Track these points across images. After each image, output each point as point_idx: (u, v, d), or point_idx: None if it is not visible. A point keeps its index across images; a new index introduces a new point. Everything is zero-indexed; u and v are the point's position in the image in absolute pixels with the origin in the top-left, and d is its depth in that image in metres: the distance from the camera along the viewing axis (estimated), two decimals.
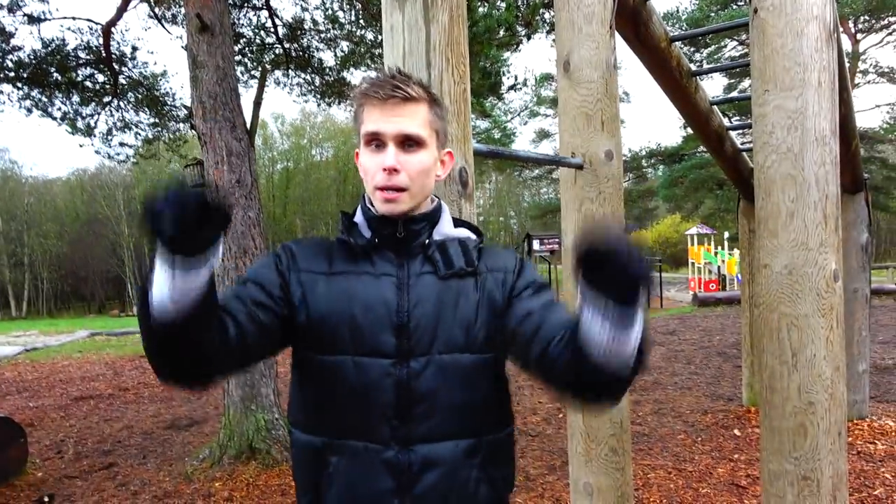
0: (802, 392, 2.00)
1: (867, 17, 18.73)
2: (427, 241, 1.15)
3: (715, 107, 4.00)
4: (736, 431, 4.81)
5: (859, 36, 19.80)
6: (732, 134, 4.53)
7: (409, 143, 1.10)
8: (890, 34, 19.93)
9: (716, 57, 19.49)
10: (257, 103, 5.67)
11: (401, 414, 1.07)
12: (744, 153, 4.82)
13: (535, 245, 15.67)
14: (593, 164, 2.31)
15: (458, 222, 1.24)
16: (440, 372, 1.09)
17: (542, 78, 21.75)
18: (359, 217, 1.18)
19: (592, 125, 2.32)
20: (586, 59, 2.32)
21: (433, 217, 1.17)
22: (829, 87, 2.03)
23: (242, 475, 4.31)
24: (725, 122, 4.31)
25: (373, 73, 1.18)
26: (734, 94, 18.51)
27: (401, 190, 1.09)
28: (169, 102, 8.82)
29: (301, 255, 1.15)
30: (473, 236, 1.20)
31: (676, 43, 3.16)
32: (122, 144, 9.32)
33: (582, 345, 0.90)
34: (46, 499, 4.08)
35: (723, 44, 19.77)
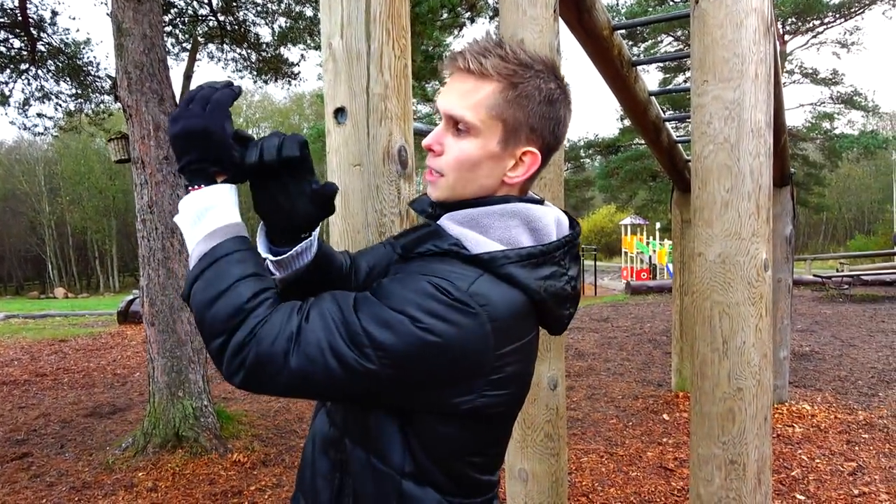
0: (732, 378, 2.04)
1: (794, 20, 19.56)
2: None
3: (653, 98, 4.07)
4: (665, 416, 4.96)
5: (787, 37, 20.66)
6: (668, 125, 4.62)
7: (458, 125, 0.93)
8: (814, 36, 20.90)
9: (653, 51, 19.97)
10: (188, 76, 5.41)
11: None
12: (678, 145, 4.94)
13: None
14: None
15: (512, 230, 0.93)
16: None
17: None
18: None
19: None
20: (530, 42, 2.28)
21: (463, 207, 0.96)
22: (766, 80, 2.06)
23: (168, 464, 4.13)
24: (663, 114, 4.38)
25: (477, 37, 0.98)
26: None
27: (439, 174, 0.96)
28: (92, 72, 8.30)
29: None
30: (467, 243, 0.90)
31: (618, 32, 3.17)
32: (39, 115, 8.74)
33: None
34: None
35: (659, 39, 20.28)
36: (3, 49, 7.72)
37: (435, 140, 0.95)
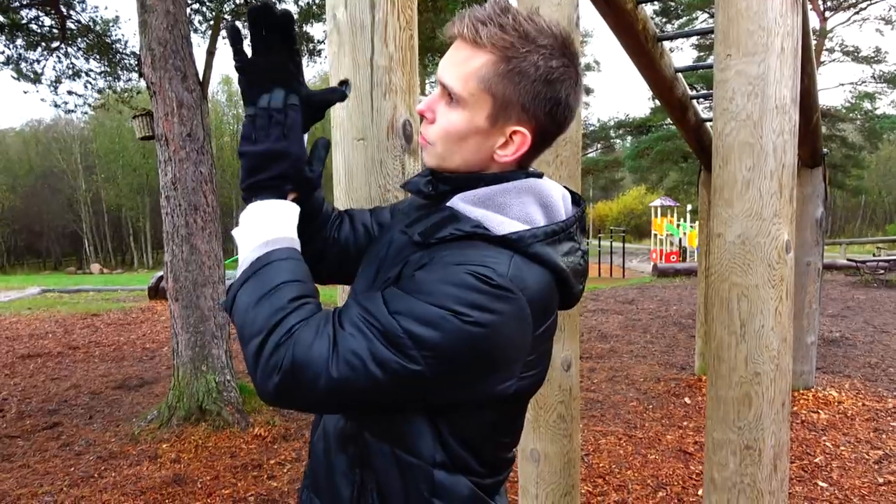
0: (749, 362, 1.99)
1: None
2: (442, 204, 0.95)
3: (679, 75, 3.95)
4: (686, 399, 4.90)
5: (827, 14, 19.96)
6: (696, 104, 4.50)
7: (450, 94, 0.89)
8: (856, 13, 20.16)
9: (686, 29, 19.48)
10: (210, 53, 5.42)
11: None
12: (706, 123, 4.81)
13: None
14: None
15: (530, 207, 0.91)
16: None
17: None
18: None
19: None
20: (547, 13, 2.22)
21: (466, 183, 0.92)
22: (792, 54, 1.98)
23: (191, 437, 4.22)
24: (690, 92, 4.27)
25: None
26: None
27: (430, 142, 0.93)
28: (120, 50, 8.39)
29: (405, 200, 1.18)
30: (489, 225, 0.87)
31: (642, 5, 3.08)
32: (70, 93, 8.89)
33: None
34: None
35: (694, 16, 19.76)
36: (35, 27, 7.85)
37: (427, 107, 0.92)
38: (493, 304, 0.78)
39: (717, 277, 2.06)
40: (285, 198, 0.92)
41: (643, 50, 3.33)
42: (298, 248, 0.90)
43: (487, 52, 0.85)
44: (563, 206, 0.95)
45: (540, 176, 0.97)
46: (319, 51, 9.16)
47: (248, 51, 0.91)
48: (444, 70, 0.89)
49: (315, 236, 1.08)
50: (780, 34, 1.96)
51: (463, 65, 0.87)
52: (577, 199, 1.01)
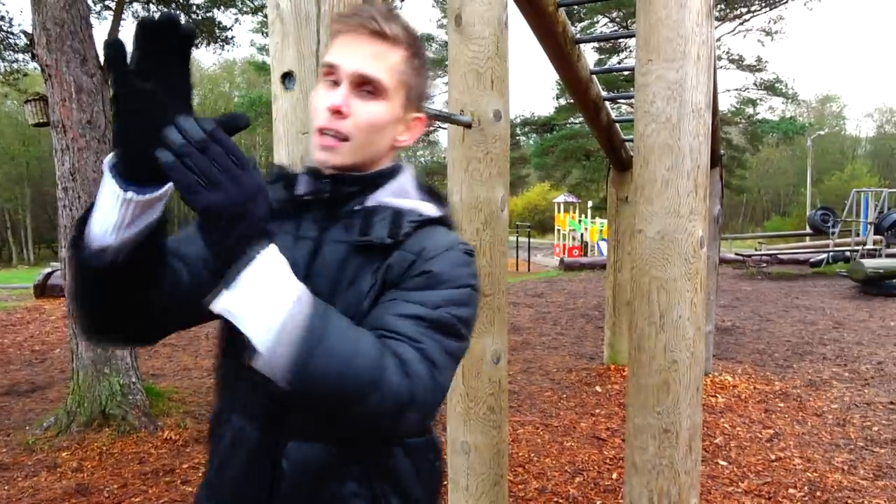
0: (668, 351, 2.11)
1: (723, 6, 20.20)
2: (358, 207, 0.96)
3: (594, 76, 4.12)
4: (597, 388, 5.12)
5: (716, 23, 21.34)
6: (608, 105, 4.70)
7: (366, 86, 0.91)
8: (741, 23, 21.66)
9: (589, 31, 20.21)
10: (112, 35, 5.09)
11: (280, 399, 0.86)
12: (616, 124, 5.04)
13: None
14: (482, 123, 2.28)
15: (425, 191, 1.02)
16: None
17: (422, 38, 21.56)
18: (303, 167, 1.01)
19: (482, 83, 2.29)
20: (479, 14, 2.26)
21: (373, 181, 0.96)
22: (707, 62, 2.11)
23: (94, 443, 3.97)
24: (604, 93, 4.45)
25: (356, 4, 0.99)
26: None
27: (343, 139, 0.91)
28: (5, 28, 7.70)
29: None
30: (426, 211, 0.96)
31: (562, 8, 3.18)
32: None
33: None
34: None
35: (595, 20, 20.54)
36: None
37: (345, 101, 0.90)
38: (476, 269, 0.95)
39: (638, 271, 2.17)
40: (270, 237, 0.76)
41: (562, 51, 3.44)
42: None
43: (402, 47, 0.94)
44: None
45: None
46: (228, 38, 8.81)
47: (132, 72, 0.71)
48: (360, 63, 0.91)
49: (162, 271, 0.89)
50: (697, 42, 2.08)
51: (383, 58, 0.92)
52: None
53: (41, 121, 5.11)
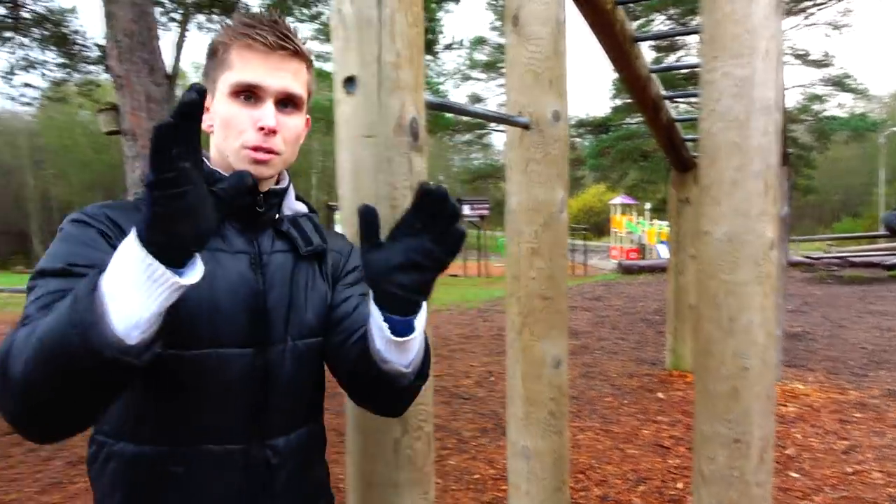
0: (737, 357, 2.03)
1: (787, 0, 19.48)
2: (277, 215, 1.06)
3: (653, 75, 4.02)
4: (660, 394, 4.99)
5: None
6: (668, 104, 4.58)
7: (289, 103, 1.01)
8: (807, 18, 20.82)
9: (645, 30, 19.81)
10: (178, 46, 5.28)
11: (259, 408, 0.97)
12: (676, 123, 4.90)
13: (466, 210, 15.74)
14: (540, 124, 2.25)
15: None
16: (296, 360, 1.00)
17: (476, 41, 21.63)
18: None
19: (540, 84, 2.26)
20: (536, 14, 2.23)
21: (287, 190, 1.11)
22: (776, 57, 2.03)
23: None
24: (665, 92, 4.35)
25: (248, 14, 1.00)
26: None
27: (275, 153, 0.99)
28: (79, 41, 8.09)
29: (128, 227, 0.73)
30: (308, 210, 1.15)
31: (620, 6, 3.12)
32: (26, 85, 8.54)
33: (368, 345, 0.89)
34: None
35: (651, 18, 20.11)
36: None
37: (278, 121, 0.98)
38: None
39: (705, 274, 2.10)
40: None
41: (621, 50, 3.37)
42: None
43: (306, 61, 1.03)
44: None
45: None
46: None
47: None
48: (287, 82, 0.98)
49: None
50: (765, 37, 2.00)
51: (300, 75, 1.01)
52: None
53: (113, 129, 5.34)
